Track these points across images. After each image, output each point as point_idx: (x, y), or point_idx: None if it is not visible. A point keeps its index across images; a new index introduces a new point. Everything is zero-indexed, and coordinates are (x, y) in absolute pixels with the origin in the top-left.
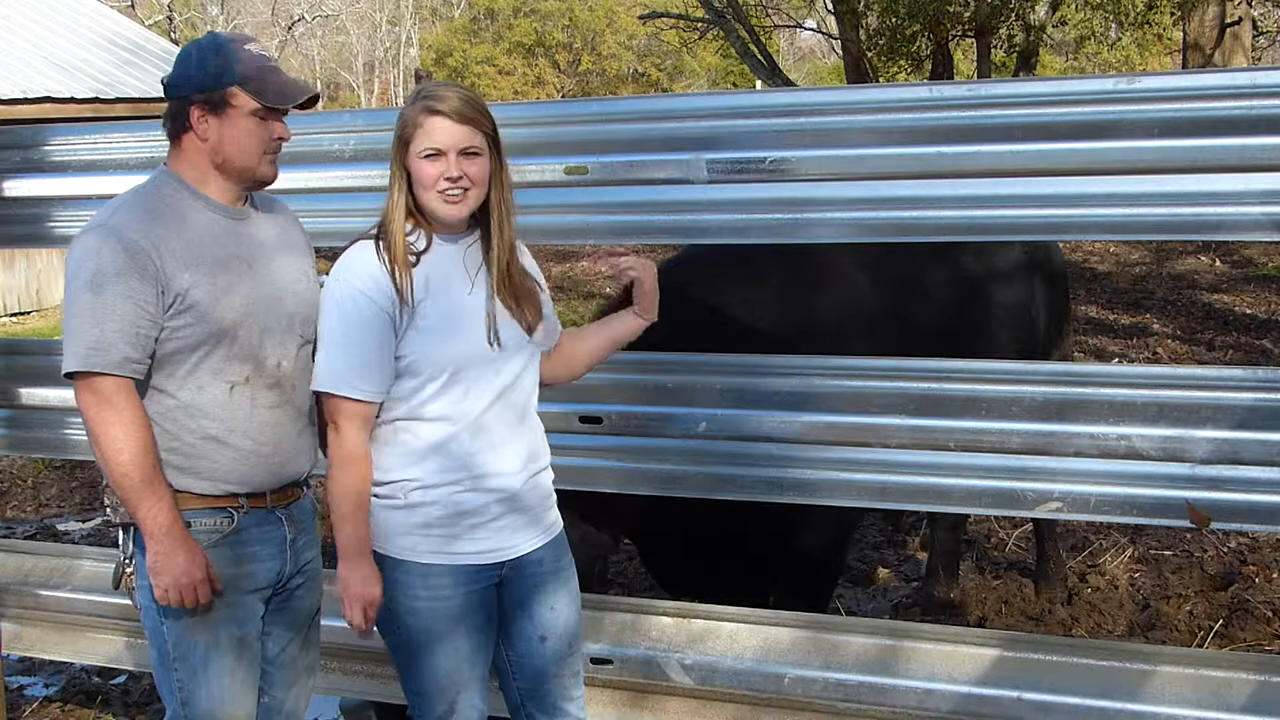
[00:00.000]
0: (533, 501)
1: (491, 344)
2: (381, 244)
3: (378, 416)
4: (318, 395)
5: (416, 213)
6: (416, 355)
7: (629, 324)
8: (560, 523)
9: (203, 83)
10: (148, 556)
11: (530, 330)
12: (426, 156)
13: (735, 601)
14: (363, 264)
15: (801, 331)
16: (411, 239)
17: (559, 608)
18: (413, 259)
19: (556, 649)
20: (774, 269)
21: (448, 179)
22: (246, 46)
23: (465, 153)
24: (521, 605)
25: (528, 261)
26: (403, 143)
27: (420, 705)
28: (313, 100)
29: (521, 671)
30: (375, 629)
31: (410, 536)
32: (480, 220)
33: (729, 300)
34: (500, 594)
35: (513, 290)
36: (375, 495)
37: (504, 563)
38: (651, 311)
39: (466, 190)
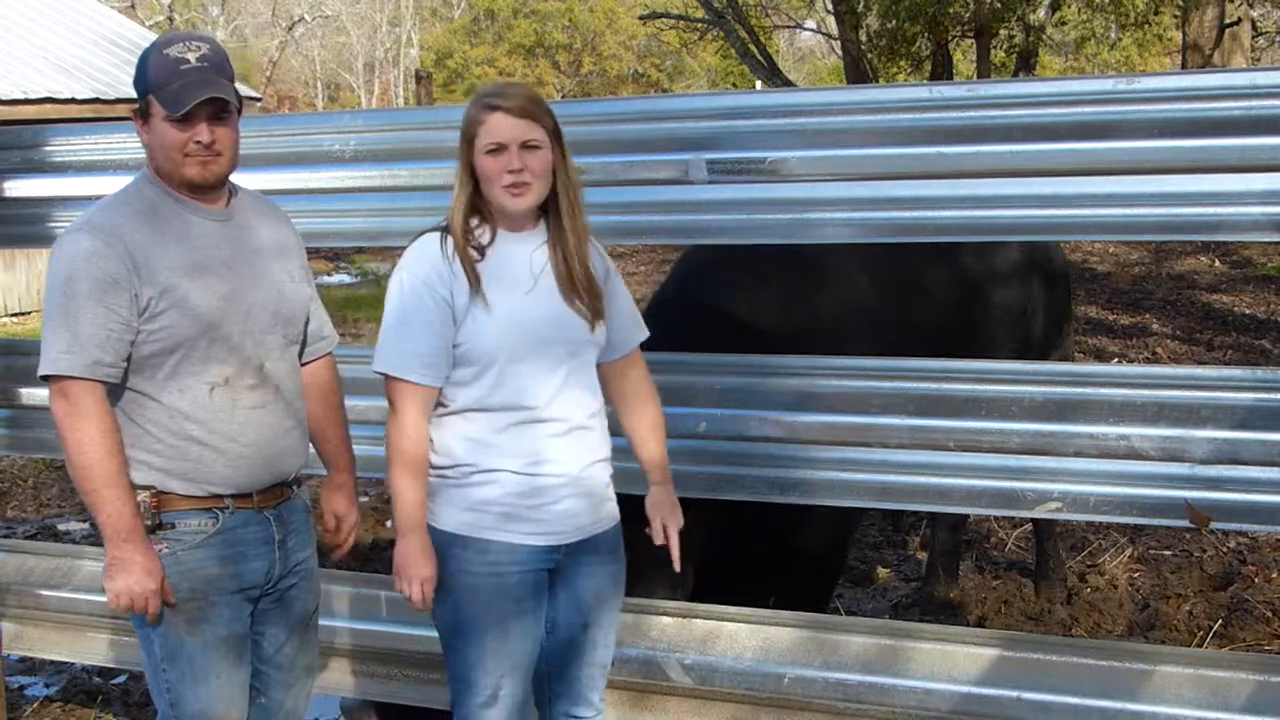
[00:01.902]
0: (591, 489)
1: (548, 340)
2: (448, 236)
3: (444, 404)
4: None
5: (483, 209)
6: (470, 345)
7: (646, 477)
8: (617, 515)
9: (135, 90)
10: (106, 559)
11: (591, 327)
12: (489, 152)
13: (735, 602)
14: (425, 254)
15: (803, 331)
16: (478, 234)
17: (604, 599)
18: (476, 253)
19: (593, 638)
20: (776, 269)
21: (510, 171)
22: (165, 50)
23: (526, 146)
24: (568, 590)
25: (596, 260)
26: (467, 141)
27: (463, 692)
28: (238, 105)
29: (553, 654)
30: (432, 607)
31: (471, 512)
32: (549, 217)
33: (736, 302)
34: (550, 578)
35: (577, 287)
36: (439, 475)
37: (560, 547)
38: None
39: (528, 183)
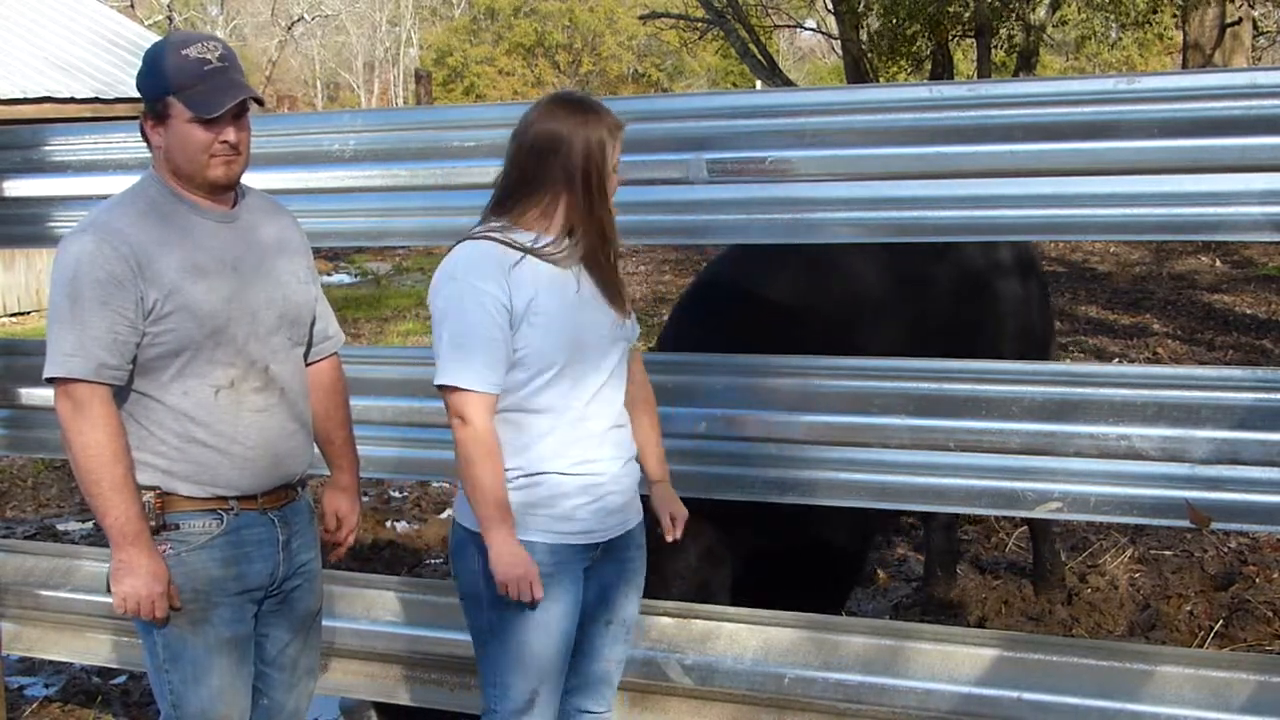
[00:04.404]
0: (626, 487)
1: (595, 340)
2: (498, 244)
3: None
4: (440, 389)
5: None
6: (530, 350)
7: (650, 475)
8: (641, 512)
9: (146, 93)
10: (111, 563)
11: (626, 316)
12: (614, 168)
13: (736, 602)
14: (483, 263)
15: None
16: (528, 239)
17: (630, 595)
18: (543, 260)
19: (616, 634)
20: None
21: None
22: (184, 51)
23: None
24: (599, 586)
25: None
26: (609, 156)
27: (499, 698)
28: (256, 103)
29: (576, 648)
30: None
31: (518, 515)
32: None
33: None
34: (584, 575)
35: (612, 286)
36: None
37: (599, 544)
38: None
39: None
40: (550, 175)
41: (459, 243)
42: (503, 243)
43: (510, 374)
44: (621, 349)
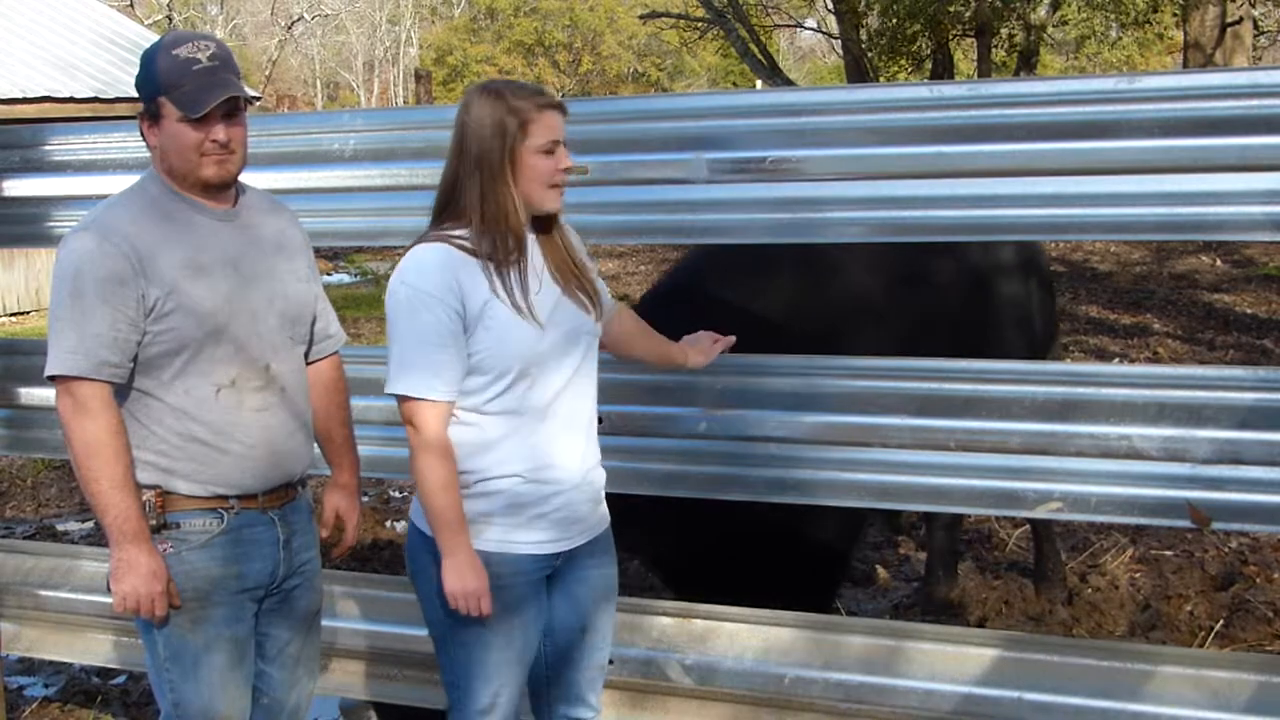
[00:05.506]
0: (590, 494)
1: (562, 337)
2: (449, 246)
3: None
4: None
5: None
6: (487, 354)
7: (679, 358)
8: (608, 517)
9: (141, 93)
10: (110, 562)
11: (591, 310)
12: (546, 151)
13: (736, 602)
14: (431, 267)
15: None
16: (479, 242)
17: (601, 601)
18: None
19: (592, 641)
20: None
21: (561, 170)
22: (175, 51)
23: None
24: (566, 595)
25: (575, 240)
26: (508, 136)
27: (462, 699)
28: (246, 101)
29: (552, 659)
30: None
31: (473, 524)
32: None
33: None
34: (549, 585)
35: (575, 276)
36: None
37: (560, 554)
38: (702, 362)
39: (564, 183)
40: (467, 167)
41: (413, 245)
42: (456, 245)
43: (468, 378)
44: (585, 344)
